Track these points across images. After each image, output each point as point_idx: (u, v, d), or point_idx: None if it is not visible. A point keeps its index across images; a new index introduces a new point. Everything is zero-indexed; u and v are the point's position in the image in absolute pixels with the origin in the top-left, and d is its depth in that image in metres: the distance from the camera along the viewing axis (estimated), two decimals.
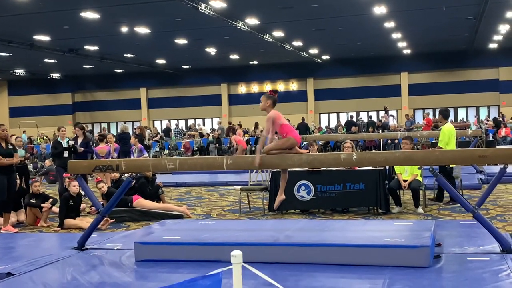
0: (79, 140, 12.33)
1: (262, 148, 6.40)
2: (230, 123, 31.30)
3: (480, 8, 20.22)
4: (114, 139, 14.78)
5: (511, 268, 5.50)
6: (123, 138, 16.77)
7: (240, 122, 29.81)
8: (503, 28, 25.01)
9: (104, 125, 40.77)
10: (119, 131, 19.77)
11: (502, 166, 6.00)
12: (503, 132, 23.12)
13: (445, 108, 11.19)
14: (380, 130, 24.15)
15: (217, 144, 24.65)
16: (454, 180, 10.05)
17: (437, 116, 28.03)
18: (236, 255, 3.25)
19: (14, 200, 9.77)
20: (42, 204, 9.74)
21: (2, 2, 17.26)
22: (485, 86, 33.72)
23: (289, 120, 26.74)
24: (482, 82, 33.81)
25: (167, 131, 29.38)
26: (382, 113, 29.75)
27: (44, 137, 30.26)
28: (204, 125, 32.62)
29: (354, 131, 23.97)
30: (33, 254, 7.02)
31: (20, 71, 35.48)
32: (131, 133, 19.31)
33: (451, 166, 9.87)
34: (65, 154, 11.53)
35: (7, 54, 27.83)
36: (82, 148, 12.01)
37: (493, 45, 30.71)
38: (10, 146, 9.39)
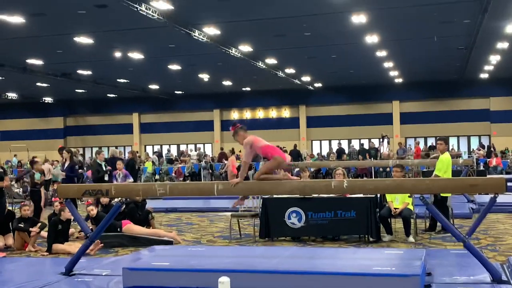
0: (66, 164, 12.39)
1: (244, 174, 6.48)
2: (222, 148, 31.27)
3: (471, 38, 20.46)
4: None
5: None
6: (113, 162, 16.73)
7: (233, 148, 29.81)
8: (494, 59, 25.29)
9: (95, 149, 40.63)
10: (109, 155, 19.75)
11: (492, 195, 6.01)
12: (494, 161, 23.23)
13: (445, 136, 11.27)
14: (372, 158, 24.20)
15: (210, 170, 24.59)
16: (448, 209, 10.06)
17: (432, 144, 28.39)
18: (224, 281, 3.23)
19: (2, 223, 9.68)
20: (31, 229, 9.63)
21: None
22: (476, 115, 33.96)
23: (279, 147, 26.77)
24: (473, 111, 34.06)
25: (158, 156, 29.34)
26: (378, 141, 29.90)
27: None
28: (196, 150, 32.53)
29: (344, 159, 24.03)
30: (20, 279, 6.93)
31: (12, 95, 35.42)
32: (125, 156, 19.43)
33: (445, 195, 9.90)
34: (106, 177, 11.83)
35: (0, 78, 27.80)
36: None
37: (484, 75, 31.00)
38: (1, 170, 9.32)
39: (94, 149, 39.76)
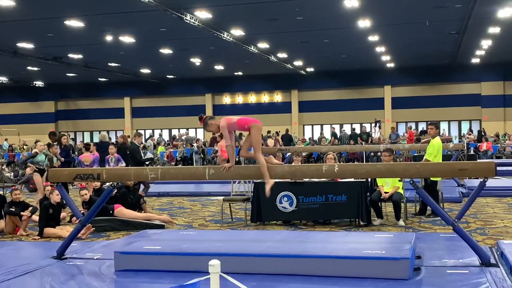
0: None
1: (233, 158, 6.54)
2: (213, 134, 31.22)
3: (463, 23, 20.47)
4: (95, 148, 14.70)
5: (490, 281, 5.55)
6: (102, 147, 16.66)
7: (221, 133, 29.78)
8: (486, 44, 25.32)
9: (87, 134, 40.54)
10: (98, 140, 19.67)
11: (482, 179, 6.06)
12: (484, 146, 23.36)
13: (436, 121, 11.30)
14: (364, 142, 24.27)
15: (201, 154, 24.58)
16: (437, 193, 10.14)
17: (424, 128, 28.46)
18: (214, 264, 3.25)
19: None
20: (22, 213, 9.63)
21: None
22: (467, 100, 34.09)
23: (272, 132, 26.72)
24: (464, 96, 34.16)
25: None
26: (370, 126, 30.02)
27: (25, 146, 29.98)
28: (188, 134, 32.45)
29: (335, 144, 24.12)
30: (12, 263, 6.94)
31: (2, 79, 35.17)
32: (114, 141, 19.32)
33: (435, 179, 9.97)
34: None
35: None
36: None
37: (475, 60, 31.07)
38: None
39: (86, 134, 39.86)
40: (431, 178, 9.78)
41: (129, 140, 15.51)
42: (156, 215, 10.57)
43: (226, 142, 6.58)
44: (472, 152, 20.25)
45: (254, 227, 9.81)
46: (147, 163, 12.89)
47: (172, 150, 25.49)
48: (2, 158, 26.11)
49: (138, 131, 13.20)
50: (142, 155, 13.13)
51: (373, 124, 28.53)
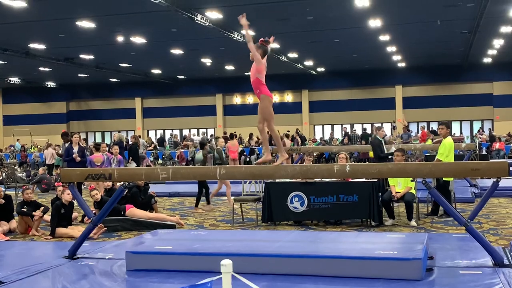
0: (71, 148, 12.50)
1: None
2: (225, 133, 31.25)
3: (474, 22, 20.35)
4: (107, 149, 14.73)
5: (503, 282, 5.50)
6: (120, 147, 16.77)
7: (234, 132, 29.80)
8: (497, 43, 25.16)
9: (98, 134, 40.71)
10: (116, 139, 19.77)
11: (494, 179, 6.01)
12: (496, 145, 23.21)
13: (446, 121, 11.21)
14: None
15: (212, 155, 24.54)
16: (450, 194, 10.07)
17: (435, 128, 28.35)
18: (226, 264, 3.24)
19: (3, 209, 9.75)
20: (34, 213, 9.68)
21: None
22: (479, 100, 33.88)
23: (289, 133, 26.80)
24: (476, 96, 33.96)
25: (161, 141, 29.36)
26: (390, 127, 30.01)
27: (38, 146, 30.17)
28: (198, 135, 32.53)
29: (346, 143, 24.08)
30: (24, 262, 6.97)
31: (15, 79, 35.42)
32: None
33: (448, 179, 9.90)
34: None
35: (2, 62, 27.77)
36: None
37: (487, 60, 30.87)
38: None
39: (97, 134, 40.00)
40: (444, 178, 9.71)
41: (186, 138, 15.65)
42: (167, 216, 10.58)
43: (256, 57, 6.58)
44: (484, 152, 20.12)
45: (265, 227, 9.79)
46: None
47: (183, 150, 25.54)
48: (15, 159, 26.29)
49: (378, 125, 12.28)
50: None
51: (391, 126, 28.49)
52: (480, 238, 6.29)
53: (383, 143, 12.55)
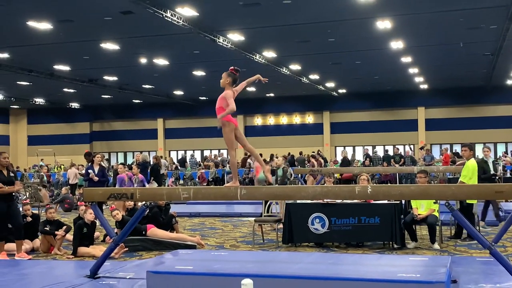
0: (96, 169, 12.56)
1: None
2: (245, 154, 31.29)
3: (497, 44, 20.22)
4: (125, 169, 14.80)
5: None
6: (145, 167, 16.91)
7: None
8: None
9: (120, 154, 41.02)
10: (140, 160, 19.92)
11: None
12: None
13: (469, 143, 11.09)
14: (397, 165, 23.99)
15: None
16: (473, 216, 9.95)
17: (455, 150, 28.15)
18: (247, 284, 3.23)
19: (29, 227, 9.81)
20: (56, 232, 9.76)
21: (23, 32, 17.57)
22: (503, 122, 33.48)
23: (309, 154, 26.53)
24: (500, 118, 33.59)
25: (182, 162, 29.46)
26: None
27: (61, 166, 30.49)
28: (220, 156, 32.61)
29: (367, 165, 23.91)
30: (46, 281, 7.01)
31: (39, 100, 35.94)
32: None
33: (471, 202, 9.79)
34: None
35: (28, 83, 28.22)
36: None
37: (510, 81, 30.61)
38: (12, 174, 9.35)
39: (120, 154, 40.29)
40: (467, 201, 9.60)
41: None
42: (188, 236, 10.58)
43: (230, 107, 6.78)
44: (508, 175, 19.86)
45: (286, 248, 9.74)
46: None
47: (203, 170, 25.60)
48: (38, 178, 26.57)
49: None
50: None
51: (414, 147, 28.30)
52: (505, 261, 6.18)
53: (489, 164, 11.99)
